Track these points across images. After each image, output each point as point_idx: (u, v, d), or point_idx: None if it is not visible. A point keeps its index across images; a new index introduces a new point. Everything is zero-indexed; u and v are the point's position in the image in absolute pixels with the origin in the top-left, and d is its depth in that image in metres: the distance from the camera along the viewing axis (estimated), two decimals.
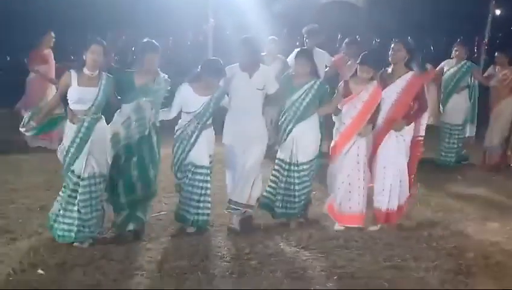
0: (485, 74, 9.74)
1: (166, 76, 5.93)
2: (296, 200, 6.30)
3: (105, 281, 4.88)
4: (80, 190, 5.53)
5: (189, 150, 6.01)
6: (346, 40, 8.72)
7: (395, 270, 5.23)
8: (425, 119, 6.39)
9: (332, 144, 6.44)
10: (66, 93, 5.55)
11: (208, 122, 6.04)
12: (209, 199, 6.10)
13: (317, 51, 8.56)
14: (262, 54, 8.43)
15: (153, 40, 5.87)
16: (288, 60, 8.42)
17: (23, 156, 9.16)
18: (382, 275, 5.12)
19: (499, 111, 9.31)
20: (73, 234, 5.54)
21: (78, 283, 4.82)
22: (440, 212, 6.99)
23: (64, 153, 5.57)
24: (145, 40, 5.89)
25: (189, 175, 6.02)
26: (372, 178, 6.34)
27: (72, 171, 5.53)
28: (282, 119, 6.30)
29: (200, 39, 16.16)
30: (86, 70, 5.54)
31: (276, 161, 6.42)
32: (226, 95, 6.20)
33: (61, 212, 5.59)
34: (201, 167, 6.02)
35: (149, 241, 5.85)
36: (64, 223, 5.57)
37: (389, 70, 6.35)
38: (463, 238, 6.11)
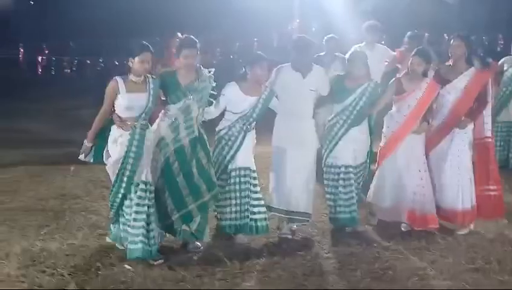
0: None
1: (211, 72, 5.67)
2: (355, 202, 6.11)
3: (189, 276, 5.03)
4: (147, 195, 5.31)
5: (235, 152, 5.77)
6: (408, 33, 8.49)
7: (478, 273, 5.13)
8: (489, 118, 6.19)
9: (383, 144, 6.27)
10: (113, 102, 5.36)
11: (253, 124, 5.85)
12: (263, 203, 5.96)
13: (378, 46, 8.45)
14: (321, 54, 8.38)
15: (191, 36, 5.58)
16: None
17: None
18: (464, 277, 5.03)
19: None
20: (149, 248, 5.30)
21: (164, 278, 4.99)
22: None
23: (121, 163, 5.29)
24: (183, 36, 5.59)
25: (236, 179, 5.80)
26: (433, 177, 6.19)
27: (137, 182, 5.30)
28: (333, 122, 6.10)
29: (285, 40, 16.21)
30: (132, 77, 5.34)
31: (329, 168, 6.16)
32: (274, 97, 5.94)
33: (129, 229, 5.33)
34: (252, 170, 5.85)
35: (228, 238, 5.96)
36: (137, 238, 5.28)
37: (449, 65, 6.20)
38: None
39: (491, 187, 6.27)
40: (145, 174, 5.33)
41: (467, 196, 6.12)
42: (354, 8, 15.49)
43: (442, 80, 6.13)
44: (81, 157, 5.51)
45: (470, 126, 6.15)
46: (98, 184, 7.90)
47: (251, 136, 5.88)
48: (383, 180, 6.24)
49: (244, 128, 5.78)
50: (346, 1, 15.64)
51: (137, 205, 5.29)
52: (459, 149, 6.11)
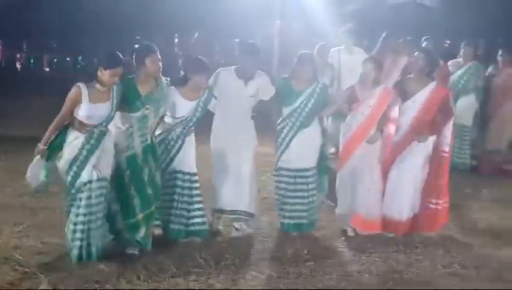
0: (486, 74, 9.46)
1: (168, 80, 5.64)
2: (307, 208, 6.12)
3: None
4: (93, 194, 5.20)
5: (174, 156, 5.75)
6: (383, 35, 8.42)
7: (455, 278, 5.15)
8: (449, 132, 6.15)
9: (340, 151, 6.31)
10: (73, 110, 5.19)
11: (192, 128, 5.82)
12: (202, 206, 5.91)
13: (357, 50, 8.50)
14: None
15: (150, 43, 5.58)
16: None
17: None
18: (440, 282, 5.04)
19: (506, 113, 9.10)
20: (94, 250, 5.26)
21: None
22: (507, 220, 6.77)
23: (69, 164, 5.17)
24: (143, 43, 5.61)
25: (176, 182, 5.77)
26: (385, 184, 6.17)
27: (81, 182, 5.17)
28: (282, 125, 6.07)
29: (266, 42, 16.16)
30: (98, 86, 5.20)
31: (280, 171, 6.17)
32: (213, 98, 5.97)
33: (80, 228, 5.21)
34: (191, 173, 5.81)
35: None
36: (84, 240, 5.23)
37: (410, 78, 6.19)
38: None
39: (440, 201, 6.20)
40: (88, 175, 5.18)
41: (409, 206, 6.10)
42: (335, 10, 15.53)
43: (404, 93, 6.12)
44: (28, 175, 5.25)
45: (431, 139, 6.12)
46: None
47: (191, 141, 5.84)
48: (341, 188, 6.23)
49: (184, 132, 5.75)
50: (327, 3, 15.68)
51: (86, 205, 5.19)
52: (415, 163, 6.07)
